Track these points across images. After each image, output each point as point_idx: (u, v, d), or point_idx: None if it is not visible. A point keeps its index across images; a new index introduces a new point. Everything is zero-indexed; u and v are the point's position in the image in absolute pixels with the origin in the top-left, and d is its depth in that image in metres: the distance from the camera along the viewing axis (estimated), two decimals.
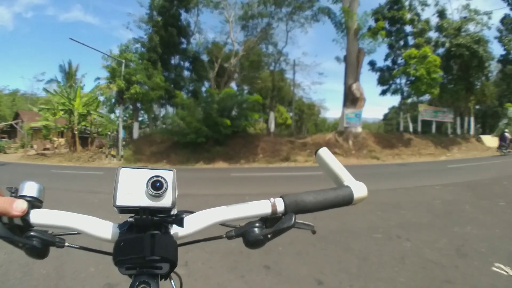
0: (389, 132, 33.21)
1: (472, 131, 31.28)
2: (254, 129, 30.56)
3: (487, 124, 38.90)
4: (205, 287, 3.33)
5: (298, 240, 4.58)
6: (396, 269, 3.61)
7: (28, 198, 0.71)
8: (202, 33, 34.19)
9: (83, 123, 31.17)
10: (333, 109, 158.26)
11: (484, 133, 33.74)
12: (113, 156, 24.14)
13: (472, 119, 31.50)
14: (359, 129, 24.35)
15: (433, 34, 31.21)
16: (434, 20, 31.30)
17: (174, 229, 0.73)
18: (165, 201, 0.68)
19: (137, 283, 0.63)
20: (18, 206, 0.67)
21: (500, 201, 7.12)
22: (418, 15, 30.70)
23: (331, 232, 4.98)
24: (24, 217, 0.69)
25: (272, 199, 0.77)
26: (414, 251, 4.16)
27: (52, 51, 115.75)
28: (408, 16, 30.03)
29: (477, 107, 34.48)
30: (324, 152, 0.88)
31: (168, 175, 0.69)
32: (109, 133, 32.21)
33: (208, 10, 31.98)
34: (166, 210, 0.68)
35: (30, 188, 0.74)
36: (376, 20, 28.53)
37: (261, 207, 0.76)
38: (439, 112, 29.50)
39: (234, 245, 4.40)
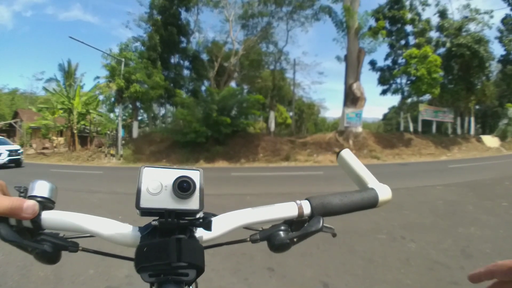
0: (389, 132, 33.29)
1: (472, 131, 31.36)
2: (254, 129, 30.61)
3: (487, 124, 38.98)
4: None
5: (301, 242, 4.52)
6: (402, 270, 3.56)
7: (39, 199, 0.66)
8: (202, 32, 34.35)
9: (82, 122, 31.23)
10: (333, 109, 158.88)
11: (484, 133, 33.83)
12: (113, 155, 24.18)
13: (472, 119, 31.56)
14: (360, 129, 24.39)
15: (433, 34, 31.38)
16: (435, 20, 31.42)
17: (199, 233, 0.69)
18: (193, 203, 0.63)
19: None
20: (29, 208, 0.60)
21: (503, 202, 7.09)
22: (418, 14, 30.79)
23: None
24: (35, 219, 0.63)
25: (298, 202, 0.73)
26: (419, 252, 4.12)
27: (51, 50, 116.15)
28: (409, 15, 30.12)
29: (477, 107, 34.58)
30: (346, 154, 0.84)
31: (195, 175, 0.65)
32: (108, 132, 32.15)
33: (208, 9, 32.21)
34: (192, 213, 0.63)
35: (41, 188, 0.68)
36: (377, 20, 28.60)
37: (287, 210, 0.72)
38: (440, 112, 29.56)
39: (237, 247, 4.34)
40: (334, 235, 0.75)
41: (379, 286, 3.24)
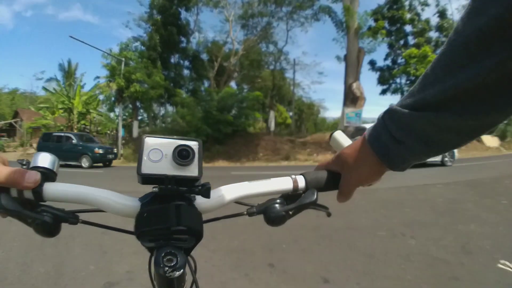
0: None
1: None
2: (254, 128, 30.60)
3: None
4: (209, 285, 3.29)
5: (302, 238, 4.55)
6: (402, 266, 3.58)
7: (41, 169, 0.66)
8: (202, 32, 34.45)
9: (82, 122, 31.24)
10: (332, 109, 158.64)
11: None
12: None
13: None
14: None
15: (433, 34, 31.31)
16: (435, 20, 31.39)
17: (197, 203, 0.69)
18: (192, 171, 0.64)
19: (163, 254, 0.59)
20: (31, 177, 0.61)
21: (502, 200, 7.10)
22: (418, 15, 30.78)
23: (335, 230, 4.97)
24: (37, 189, 0.62)
25: (293, 176, 0.75)
26: (419, 249, 4.14)
27: (51, 50, 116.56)
28: (408, 16, 30.11)
29: None
30: (339, 135, 0.85)
31: (194, 144, 0.67)
32: (108, 132, 32.25)
33: (208, 9, 32.20)
34: (192, 180, 0.64)
35: (44, 159, 0.68)
36: (376, 20, 28.58)
37: (283, 184, 0.74)
38: None
39: (237, 243, 4.38)
40: (328, 214, 0.76)
41: (379, 281, 3.25)
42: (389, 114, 0.62)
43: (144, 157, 0.63)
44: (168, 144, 0.65)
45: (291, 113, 40.45)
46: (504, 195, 7.63)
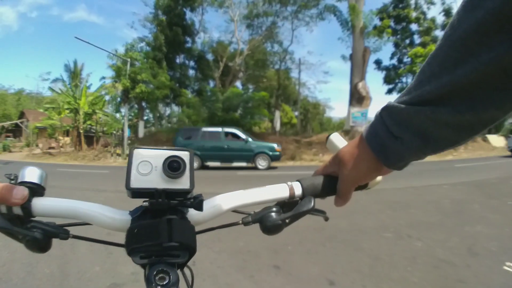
0: None
1: None
2: (259, 128, 30.59)
3: None
4: (214, 287, 3.29)
5: (307, 240, 4.54)
6: (408, 268, 3.57)
7: (29, 185, 0.64)
8: (207, 32, 34.47)
9: (88, 122, 31.28)
10: (338, 109, 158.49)
11: (489, 132, 33.61)
12: (119, 155, 24.23)
13: None
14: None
15: (439, 33, 31.17)
16: (440, 19, 31.26)
17: (190, 215, 0.68)
18: (183, 183, 0.63)
19: (154, 273, 0.58)
20: (18, 193, 0.60)
21: (509, 200, 7.09)
22: (424, 13, 30.65)
23: (340, 231, 4.95)
24: (25, 205, 0.62)
25: (289, 183, 0.73)
26: (425, 251, 4.12)
27: (57, 51, 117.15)
28: (414, 14, 30.00)
29: None
30: (335, 137, 0.84)
31: (185, 155, 0.65)
32: (114, 132, 32.29)
33: (212, 9, 32.21)
34: (183, 193, 0.63)
35: (31, 174, 0.67)
36: (381, 19, 28.52)
37: (279, 191, 0.72)
38: None
39: (242, 244, 4.37)
40: (326, 219, 0.73)
41: (385, 284, 3.24)
42: (387, 110, 0.62)
43: (133, 170, 0.62)
44: (158, 155, 0.64)
45: (296, 113, 40.42)
46: (510, 196, 7.60)
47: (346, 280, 3.33)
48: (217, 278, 3.44)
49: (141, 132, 29.40)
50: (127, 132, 25.43)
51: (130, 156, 0.63)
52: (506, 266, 3.58)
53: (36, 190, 0.65)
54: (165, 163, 0.62)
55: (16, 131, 46.66)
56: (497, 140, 28.71)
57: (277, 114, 30.36)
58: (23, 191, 0.60)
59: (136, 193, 0.62)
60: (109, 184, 11.09)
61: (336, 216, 5.39)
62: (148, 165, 0.62)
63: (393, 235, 4.81)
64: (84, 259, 3.89)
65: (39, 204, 0.63)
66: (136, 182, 0.61)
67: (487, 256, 3.92)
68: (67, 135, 36.28)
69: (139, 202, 0.64)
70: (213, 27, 60.83)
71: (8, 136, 44.18)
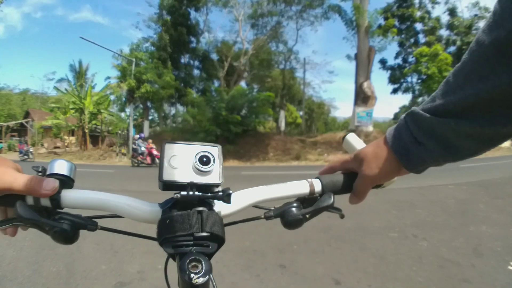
0: None
1: None
2: (264, 128, 30.59)
3: None
4: (220, 286, 3.29)
5: (312, 239, 4.55)
6: (414, 268, 3.58)
7: (58, 177, 0.65)
8: (211, 32, 34.42)
9: (93, 122, 31.42)
10: (342, 108, 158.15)
11: None
12: (124, 154, 24.32)
13: None
14: (371, 128, 24.20)
15: (444, 32, 31.10)
16: (445, 18, 31.17)
17: (217, 207, 0.70)
18: (213, 177, 0.65)
19: (187, 261, 0.59)
20: (49, 185, 0.60)
21: None
22: (428, 12, 30.57)
23: (346, 231, 4.96)
24: (54, 196, 0.62)
25: (309, 180, 0.76)
26: (431, 250, 4.13)
27: (62, 51, 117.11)
28: (418, 13, 29.92)
29: None
30: (352, 137, 0.86)
31: (214, 150, 0.68)
32: (119, 131, 32.36)
33: (217, 9, 32.13)
34: (213, 186, 0.65)
35: (61, 166, 0.68)
36: (386, 18, 28.45)
37: (299, 187, 0.75)
38: None
39: (248, 244, 4.39)
40: (342, 216, 0.77)
41: (391, 283, 3.26)
42: (411, 116, 0.64)
43: (165, 164, 0.64)
44: (189, 150, 0.66)
45: (301, 113, 40.34)
46: None
47: (352, 280, 3.35)
48: (223, 277, 3.45)
49: (146, 131, 29.45)
50: (132, 132, 25.49)
51: (162, 150, 0.65)
52: (511, 266, 3.60)
53: (66, 182, 0.67)
54: (196, 157, 0.65)
55: (21, 130, 46.71)
56: None
57: (282, 114, 30.36)
58: (54, 183, 0.61)
59: (167, 185, 0.64)
60: (115, 184, 11.13)
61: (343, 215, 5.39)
62: (180, 159, 0.65)
63: (399, 234, 4.82)
64: (90, 258, 3.91)
65: (68, 196, 0.65)
66: (168, 175, 0.63)
67: (492, 256, 3.93)
68: (73, 135, 36.41)
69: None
70: (218, 27, 60.79)
71: (13, 136, 44.27)
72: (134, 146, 18.98)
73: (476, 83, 0.52)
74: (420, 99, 32.24)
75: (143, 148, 18.75)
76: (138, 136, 19.90)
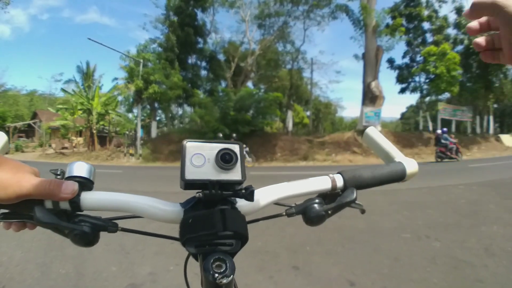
0: (407, 131, 33.00)
1: (491, 130, 30.93)
2: (271, 128, 30.59)
3: (505, 123, 38.41)
4: None
5: (325, 240, 4.55)
6: (428, 269, 3.57)
7: (78, 179, 0.65)
8: (218, 33, 34.42)
9: (101, 123, 31.57)
10: (350, 108, 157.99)
11: (502, 132, 33.35)
12: (132, 155, 24.37)
13: (491, 118, 31.15)
14: (379, 128, 24.15)
15: (451, 31, 30.95)
16: (452, 17, 31.08)
17: (238, 206, 0.69)
18: (235, 174, 0.64)
19: (211, 261, 0.58)
20: (68, 188, 0.59)
21: None
22: (436, 11, 30.45)
23: (359, 232, 4.96)
24: (74, 199, 0.61)
25: (331, 175, 0.75)
26: (444, 251, 4.13)
27: (69, 52, 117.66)
28: (426, 12, 29.79)
29: (495, 105, 34.05)
30: (372, 131, 0.86)
31: (235, 148, 0.66)
32: (127, 132, 32.53)
33: (224, 9, 32.14)
34: (235, 184, 0.65)
35: (80, 168, 0.67)
36: (393, 18, 28.36)
37: (321, 183, 0.74)
38: (458, 111, 29.18)
39: (260, 244, 4.38)
40: (362, 211, 0.76)
41: (406, 285, 3.26)
42: None
43: (187, 163, 0.63)
44: (210, 148, 0.65)
45: (308, 113, 40.30)
46: None
47: (366, 281, 3.34)
48: (236, 278, 3.43)
49: (153, 132, 29.54)
50: (139, 132, 25.60)
51: (183, 149, 0.64)
52: None
53: (85, 184, 0.66)
54: (218, 155, 0.63)
55: (28, 131, 47.05)
56: (510, 140, 28.43)
57: (289, 114, 30.34)
58: (73, 186, 0.60)
59: (189, 184, 0.62)
60: (123, 184, 11.18)
61: (353, 216, 5.40)
62: (201, 157, 0.64)
63: (411, 235, 4.81)
64: (100, 259, 3.87)
65: (88, 198, 0.64)
66: (190, 174, 0.62)
67: (504, 256, 3.93)
68: (80, 135, 36.60)
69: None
70: (225, 27, 61.06)
71: (21, 137, 44.59)
72: (444, 141, 19.03)
73: None
74: (427, 99, 32.15)
75: (450, 144, 18.98)
76: (441, 131, 19.95)
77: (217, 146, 0.65)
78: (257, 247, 4.27)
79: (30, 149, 38.68)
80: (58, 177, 0.66)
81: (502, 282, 3.27)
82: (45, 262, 3.78)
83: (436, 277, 3.38)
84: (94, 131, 29.58)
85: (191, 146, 0.65)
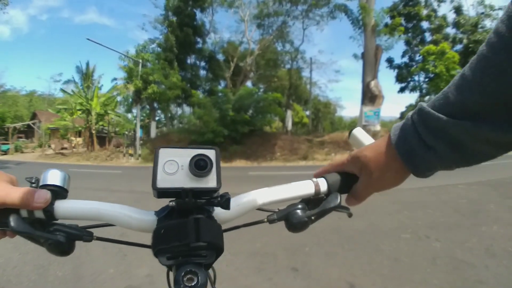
0: None
1: None
2: (270, 128, 30.62)
3: None
4: None
5: (324, 241, 4.53)
6: (428, 270, 3.56)
7: (51, 187, 0.63)
8: (217, 33, 34.45)
9: (100, 123, 31.60)
10: (349, 108, 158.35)
11: None
12: (131, 155, 24.39)
13: None
14: (378, 127, 24.08)
15: (450, 31, 31.04)
16: (451, 16, 31.12)
17: (216, 213, 0.67)
18: (210, 182, 0.62)
19: (182, 274, 0.56)
20: (40, 197, 0.59)
21: None
22: (434, 11, 30.53)
23: (358, 232, 4.94)
24: (47, 208, 0.60)
25: (314, 179, 0.72)
26: (445, 252, 4.12)
27: (68, 53, 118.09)
28: (424, 12, 29.88)
29: None
30: (359, 132, 0.83)
31: (211, 153, 0.64)
32: (126, 132, 32.57)
33: (223, 9, 32.13)
34: (210, 192, 0.62)
35: (54, 177, 0.65)
36: (392, 17, 28.39)
37: (304, 188, 0.71)
38: None
39: (259, 246, 4.36)
40: (349, 215, 0.72)
41: (407, 286, 3.25)
42: (420, 116, 0.57)
43: (159, 170, 0.61)
44: (184, 154, 0.63)
45: (307, 112, 40.34)
46: None
47: (367, 283, 3.33)
48: (234, 280, 3.42)
49: (153, 132, 29.60)
50: (139, 133, 25.59)
51: (156, 156, 0.62)
52: None
53: (59, 192, 0.64)
54: (191, 162, 0.61)
55: (28, 132, 47.14)
56: None
57: (289, 113, 30.35)
58: (46, 195, 0.60)
59: (162, 193, 0.61)
60: (123, 185, 11.16)
61: (352, 217, 5.36)
62: (175, 164, 0.62)
63: (412, 236, 4.80)
64: (98, 261, 3.87)
65: (62, 207, 0.63)
66: (163, 182, 0.60)
67: (505, 256, 3.92)
68: (79, 136, 36.65)
69: (158, 201, 0.64)
70: (224, 27, 61.18)
71: (20, 137, 44.67)
72: None
73: (497, 78, 0.45)
74: (427, 98, 32.18)
75: None
76: None
77: (191, 152, 0.63)
78: (256, 248, 4.26)
79: (30, 149, 38.78)
80: (33, 185, 0.64)
81: (503, 282, 3.26)
82: (42, 264, 3.77)
83: (437, 278, 3.36)
84: (93, 132, 29.61)
85: (165, 153, 0.63)
